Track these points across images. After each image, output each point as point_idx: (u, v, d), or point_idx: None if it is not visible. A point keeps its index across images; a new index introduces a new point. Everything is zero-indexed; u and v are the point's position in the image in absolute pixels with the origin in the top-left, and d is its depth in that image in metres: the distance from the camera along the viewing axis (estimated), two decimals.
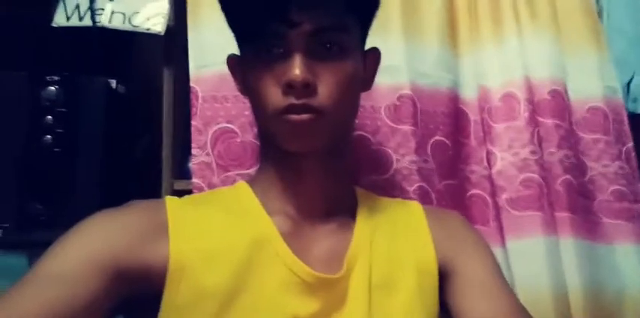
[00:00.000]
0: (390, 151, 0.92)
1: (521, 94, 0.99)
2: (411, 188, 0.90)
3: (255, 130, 0.88)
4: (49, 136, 1.05)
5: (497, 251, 0.92)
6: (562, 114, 1.00)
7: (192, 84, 0.92)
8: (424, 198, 0.90)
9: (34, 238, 1.03)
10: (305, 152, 0.66)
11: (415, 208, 0.77)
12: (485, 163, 0.98)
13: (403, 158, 0.91)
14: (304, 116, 0.62)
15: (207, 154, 0.89)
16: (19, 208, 1.04)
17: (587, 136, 1.03)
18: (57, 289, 0.54)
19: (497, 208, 0.95)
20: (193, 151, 0.90)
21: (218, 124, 0.90)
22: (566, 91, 1.02)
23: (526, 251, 0.91)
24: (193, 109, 0.91)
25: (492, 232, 0.94)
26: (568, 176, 0.96)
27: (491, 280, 0.70)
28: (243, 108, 0.90)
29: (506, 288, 0.71)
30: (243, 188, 0.72)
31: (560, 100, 1.00)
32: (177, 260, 0.60)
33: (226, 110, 0.91)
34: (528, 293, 0.88)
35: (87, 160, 1.05)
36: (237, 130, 0.90)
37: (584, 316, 0.89)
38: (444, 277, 0.70)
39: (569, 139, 1.00)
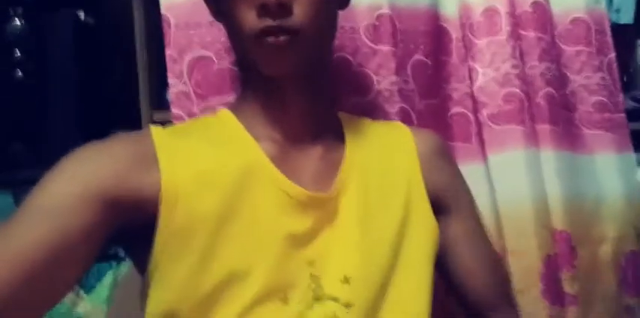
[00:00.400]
0: (370, 72, 0.90)
1: (502, 8, 0.97)
2: (393, 110, 0.90)
3: (233, 56, 0.86)
4: (19, 72, 1.02)
5: (479, 167, 0.94)
6: (544, 26, 0.98)
7: (163, 12, 0.88)
8: (405, 119, 0.89)
9: (18, 177, 1.04)
10: (285, 75, 0.65)
11: (402, 130, 0.78)
12: (468, 81, 0.97)
13: (384, 79, 0.90)
14: (281, 38, 0.60)
15: (185, 83, 0.87)
16: (0, 149, 1.03)
17: (569, 49, 1.02)
18: (49, 223, 0.54)
19: (478, 125, 0.95)
20: (170, 81, 0.87)
21: (193, 51, 0.87)
22: (548, 3, 0.99)
23: (507, 164, 0.92)
24: (167, 38, 0.88)
25: (474, 149, 0.95)
26: (549, 89, 0.96)
27: (477, 228, 0.77)
28: (218, 34, 0.87)
29: (487, 236, 0.78)
30: (226, 116, 0.71)
31: (541, 12, 0.98)
32: (170, 186, 0.60)
33: (201, 37, 0.87)
34: (509, 205, 0.90)
35: (61, 95, 1.03)
36: (213, 56, 0.88)
37: (563, 224, 0.92)
38: (435, 205, 0.73)
39: (551, 52, 0.99)
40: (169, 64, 0.87)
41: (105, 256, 0.62)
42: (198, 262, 0.59)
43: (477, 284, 0.74)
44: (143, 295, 0.62)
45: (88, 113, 1.08)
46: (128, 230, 0.61)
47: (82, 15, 1.11)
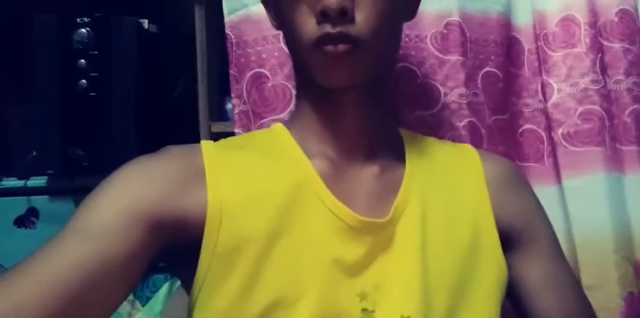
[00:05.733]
0: (437, 84, 0.85)
1: (582, 18, 0.89)
2: (460, 124, 0.84)
3: (285, 71, 0.85)
4: (83, 81, 1.03)
5: (552, 189, 0.87)
6: (632, 36, 0.89)
7: (227, 31, 0.88)
8: (474, 134, 0.84)
9: (78, 183, 1.05)
10: (343, 87, 0.61)
11: (470, 152, 0.72)
12: (540, 96, 0.90)
13: (451, 91, 0.85)
14: (340, 47, 0.57)
15: (245, 103, 0.87)
16: (61, 154, 1.05)
17: None
18: (91, 244, 0.53)
19: (552, 144, 0.88)
20: (233, 101, 0.88)
21: (252, 70, 0.87)
22: (636, 11, 0.91)
23: (585, 189, 0.84)
24: (230, 57, 0.88)
25: (547, 170, 0.88)
26: (638, 106, 0.88)
27: (561, 270, 0.68)
28: (271, 49, 0.86)
29: (576, 284, 0.70)
30: (279, 130, 0.68)
31: (629, 21, 0.89)
32: (216, 206, 0.57)
33: (257, 54, 0.87)
34: (587, 235, 0.83)
35: (123, 103, 1.03)
36: (267, 73, 0.86)
37: None
38: (506, 241, 0.66)
39: None
40: (232, 84, 0.88)
41: (161, 267, 0.61)
42: (243, 286, 0.56)
43: None
44: (189, 315, 0.60)
45: (147, 121, 1.09)
46: (174, 249, 0.58)
47: (145, 23, 1.12)
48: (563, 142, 0.87)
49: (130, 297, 1.03)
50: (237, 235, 0.57)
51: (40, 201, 1.10)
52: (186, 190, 0.58)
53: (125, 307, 1.02)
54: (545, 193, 0.84)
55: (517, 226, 0.67)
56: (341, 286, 0.58)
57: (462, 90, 0.85)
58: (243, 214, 0.58)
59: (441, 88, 0.85)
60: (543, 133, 0.89)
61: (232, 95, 0.87)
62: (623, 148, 0.87)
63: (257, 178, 0.61)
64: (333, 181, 0.62)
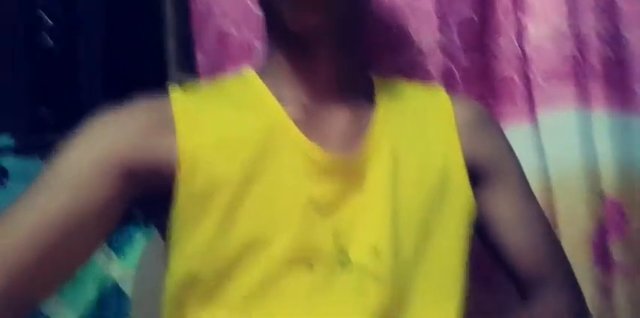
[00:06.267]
0: (410, 28, 0.85)
1: None
2: (435, 68, 0.84)
3: (249, 24, 0.84)
4: (47, 37, 1.00)
5: (526, 129, 0.88)
6: None
7: None
8: (448, 78, 0.84)
9: (46, 140, 1.03)
10: (313, 32, 0.61)
11: (441, 95, 0.73)
12: (515, 38, 0.90)
13: (425, 36, 0.84)
14: None
15: (207, 55, 0.86)
16: (28, 113, 1.03)
17: (630, 8, 0.94)
18: (67, 194, 0.54)
19: (527, 84, 0.89)
20: (197, 55, 0.87)
21: (214, 22, 0.85)
22: None
23: (557, 125, 0.87)
24: (191, 9, 0.86)
25: (521, 110, 0.89)
26: (604, 48, 0.90)
27: (527, 203, 0.70)
28: (234, 1, 0.84)
29: (545, 220, 0.72)
30: (250, 77, 0.67)
31: None
32: (189, 150, 0.58)
33: (219, 6, 0.85)
34: (559, 168, 0.85)
35: (87, 57, 1.01)
36: (230, 26, 0.85)
37: (617, 193, 0.87)
38: (476, 180, 0.67)
39: (609, 9, 0.92)
40: (195, 36, 0.87)
41: (137, 218, 0.62)
42: (218, 226, 0.57)
43: (528, 263, 0.68)
44: (166, 261, 0.61)
45: (115, 76, 1.06)
46: (149, 197, 0.59)
47: None
48: (538, 82, 0.88)
49: (106, 249, 1.04)
50: (212, 179, 0.57)
51: (8, 161, 1.08)
52: (156, 138, 0.59)
53: (101, 258, 1.03)
54: (520, 133, 0.86)
55: (486, 166, 0.69)
56: (315, 225, 0.59)
57: (436, 34, 0.84)
58: (217, 157, 0.58)
59: (414, 32, 0.85)
60: (518, 75, 0.90)
61: (195, 48, 0.87)
62: (590, 86, 0.89)
63: (229, 123, 0.61)
64: (306, 125, 0.62)
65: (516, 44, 0.90)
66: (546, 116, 0.88)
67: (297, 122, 0.62)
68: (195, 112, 0.61)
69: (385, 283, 0.58)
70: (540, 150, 0.87)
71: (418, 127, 0.68)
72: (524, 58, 0.89)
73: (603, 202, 0.86)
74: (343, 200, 0.61)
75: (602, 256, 0.85)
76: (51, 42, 1.02)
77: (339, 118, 0.65)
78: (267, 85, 0.65)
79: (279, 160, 0.60)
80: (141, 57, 1.15)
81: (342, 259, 0.59)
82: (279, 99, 0.64)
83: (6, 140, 1.08)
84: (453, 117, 0.69)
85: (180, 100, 0.62)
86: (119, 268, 1.03)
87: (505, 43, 0.91)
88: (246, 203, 0.57)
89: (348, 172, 0.61)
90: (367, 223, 0.60)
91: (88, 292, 1.02)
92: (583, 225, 0.84)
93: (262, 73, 0.67)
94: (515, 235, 0.68)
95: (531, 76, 0.89)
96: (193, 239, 0.57)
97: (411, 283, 0.60)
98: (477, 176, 0.68)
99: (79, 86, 1.03)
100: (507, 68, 0.90)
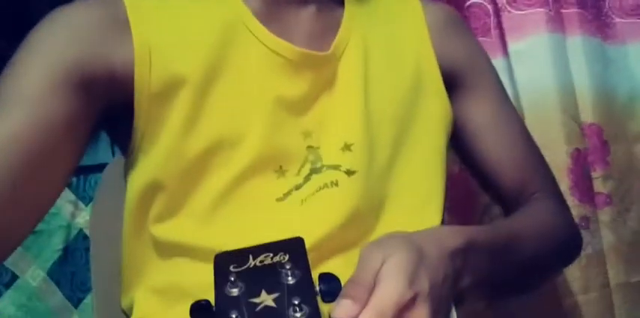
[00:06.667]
0: None
1: None
2: None
3: None
4: None
5: (500, 61, 0.86)
6: None
7: None
8: None
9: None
10: None
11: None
12: None
13: None
14: None
15: None
16: None
17: None
18: (23, 111, 0.48)
19: (497, 13, 0.87)
20: None
21: None
22: None
23: (529, 52, 0.84)
24: None
25: (494, 42, 0.87)
26: None
27: (504, 107, 0.68)
28: None
29: (517, 116, 0.70)
30: None
31: None
32: (144, 47, 0.53)
33: None
34: (533, 96, 0.83)
35: None
36: None
37: (593, 117, 0.85)
38: (450, 83, 0.65)
39: None
40: None
41: (102, 166, 0.58)
42: (182, 127, 0.53)
43: (509, 171, 0.65)
44: (127, 175, 0.57)
45: None
46: (111, 111, 0.55)
47: None
48: (508, 7, 0.86)
49: (73, 197, 1.00)
50: (170, 74, 0.53)
51: None
52: (111, 39, 0.53)
53: (68, 207, 0.99)
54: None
55: (460, 68, 0.66)
56: (285, 125, 0.56)
57: None
58: (174, 53, 0.54)
59: None
60: (489, 6, 0.88)
61: None
62: (564, 10, 0.87)
63: (185, 18, 0.57)
64: (267, 19, 0.58)
65: None
66: (518, 43, 0.85)
67: (257, 15, 0.58)
68: (149, 8, 0.56)
69: (360, 177, 0.55)
70: (513, 79, 0.85)
71: (388, 28, 0.65)
72: None
73: (582, 128, 0.84)
74: (314, 101, 0.58)
75: (581, 185, 0.82)
76: None
77: (304, 15, 0.61)
78: None
79: (243, 56, 0.56)
80: None
81: (315, 165, 0.56)
82: None
83: None
84: (423, 18, 0.67)
85: None
86: (87, 216, 0.99)
87: None
88: (210, 102, 0.54)
89: (318, 69, 0.58)
90: (339, 121, 0.58)
91: (54, 244, 0.98)
92: (559, 150, 0.82)
93: None
94: (491, 139, 0.66)
95: (499, 4, 0.87)
96: (157, 144, 0.53)
97: (388, 182, 0.58)
98: (451, 78, 0.65)
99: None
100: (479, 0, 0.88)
